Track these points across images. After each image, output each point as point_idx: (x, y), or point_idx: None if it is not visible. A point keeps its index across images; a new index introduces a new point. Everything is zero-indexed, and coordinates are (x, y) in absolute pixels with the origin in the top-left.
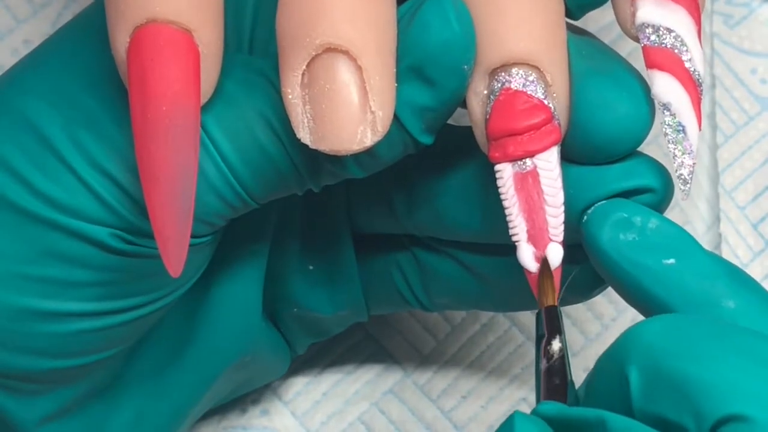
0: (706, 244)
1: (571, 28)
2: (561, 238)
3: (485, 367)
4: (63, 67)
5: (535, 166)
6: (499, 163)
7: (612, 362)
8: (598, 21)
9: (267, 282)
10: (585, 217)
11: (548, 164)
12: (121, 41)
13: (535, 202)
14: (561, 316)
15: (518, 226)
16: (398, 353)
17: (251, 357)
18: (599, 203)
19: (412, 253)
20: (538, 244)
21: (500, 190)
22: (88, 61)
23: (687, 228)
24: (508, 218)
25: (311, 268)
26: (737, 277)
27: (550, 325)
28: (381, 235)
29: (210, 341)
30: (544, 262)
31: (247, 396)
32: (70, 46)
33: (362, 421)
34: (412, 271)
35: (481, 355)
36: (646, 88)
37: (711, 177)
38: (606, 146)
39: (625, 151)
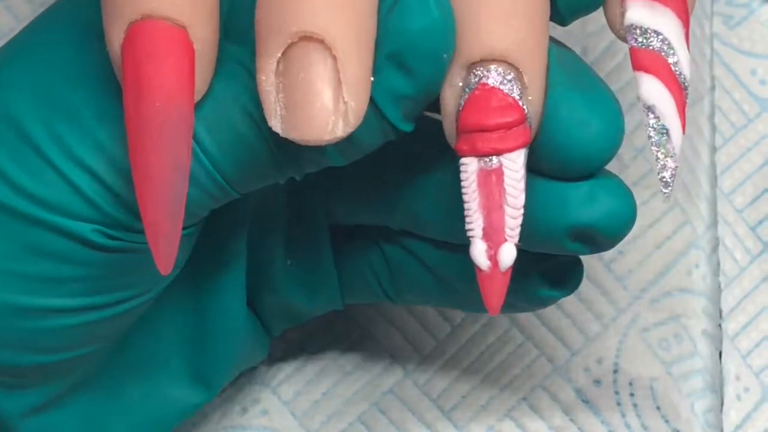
0: (706, 244)
1: (553, 41)
2: (516, 239)
3: (485, 367)
4: (43, 61)
5: (501, 165)
6: (466, 156)
7: None
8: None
9: (249, 270)
10: None
11: (514, 165)
12: (115, 36)
13: (495, 200)
14: None
15: (475, 222)
16: (398, 353)
17: (241, 343)
18: None
19: (381, 249)
20: (493, 242)
21: (462, 183)
22: (68, 55)
23: (686, 228)
24: (466, 213)
25: (290, 262)
26: None
27: None
28: (355, 230)
29: (204, 332)
30: None
31: (247, 396)
32: (49, 40)
33: (362, 421)
34: (381, 266)
35: (481, 355)
36: (619, 109)
37: (710, 177)
38: (572, 162)
39: (592, 169)
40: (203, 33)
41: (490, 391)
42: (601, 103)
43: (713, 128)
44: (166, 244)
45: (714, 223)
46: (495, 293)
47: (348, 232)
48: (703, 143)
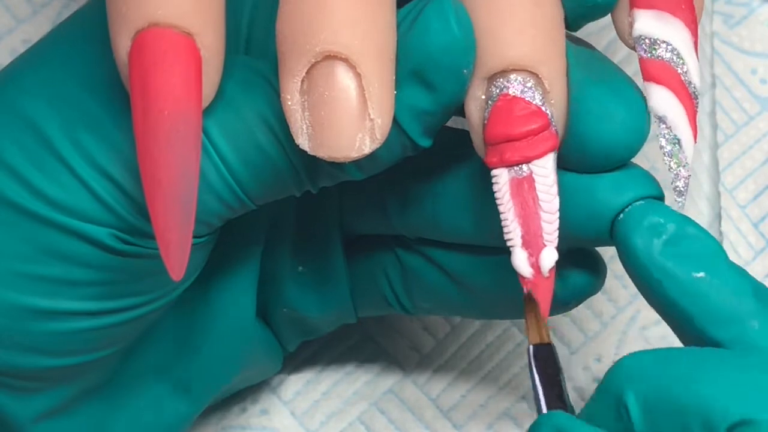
0: None
1: (570, 38)
2: (555, 243)
3: (484, 367)
4: (62, 67)
5: (531, 172)
6: (496, 168)
7: (608, 392)
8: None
9: (259, 282)
10: (621, 216)
11: (544, 170)
12: (122, 45)
13: (530, 207)
14: (555, 353)
15: (513, 231)
16: (398, 353)
17: (247, 356)
18: (636, 203)
19: (397, 257)
20: (533, 249)
21: (496, 195)
22: (87, 61)
23: None
24: (503, 223)
25: (301, 269)
26: (764, 295)
27: (545, 362)
28: (368, 238)
29: (209, 343)
30: (528, 299)
31: (247, 395)
32: (69, 45)
33: (362, 421)
34: (396, 275)
35: (481, 355)
36: (643, 99)
37: (711, 176)
38: (602, 155)
39: (621, 160)
40: (210, 40)
41: (490, 390)
42: (624, 95)
43: (714, 126)
44: (176, 251)
45: (714, 221)
46: (542, 298)
47: (362, 241)
48: (703, 142)
